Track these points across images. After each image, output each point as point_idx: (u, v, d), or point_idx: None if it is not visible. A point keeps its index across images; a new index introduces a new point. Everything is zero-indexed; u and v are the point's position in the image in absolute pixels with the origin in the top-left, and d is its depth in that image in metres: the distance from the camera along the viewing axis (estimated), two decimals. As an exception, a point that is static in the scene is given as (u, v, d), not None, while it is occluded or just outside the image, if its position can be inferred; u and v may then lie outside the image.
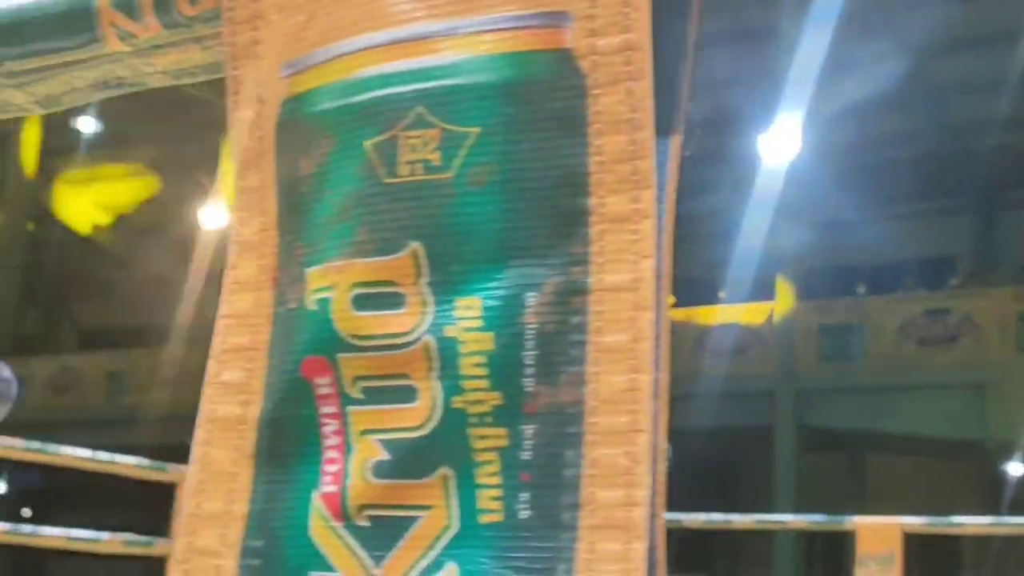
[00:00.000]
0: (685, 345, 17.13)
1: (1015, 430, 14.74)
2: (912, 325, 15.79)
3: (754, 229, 16.19)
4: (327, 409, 0.73)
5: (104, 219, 21.32)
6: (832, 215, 17.51)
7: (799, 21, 14.55)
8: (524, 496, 0.66)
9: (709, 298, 18.42)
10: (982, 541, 16.72)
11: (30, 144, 19.49)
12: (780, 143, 15.23)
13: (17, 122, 15.64)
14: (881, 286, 17.23)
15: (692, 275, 20.50)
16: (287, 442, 0.74)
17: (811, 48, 14.30)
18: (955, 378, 15.35)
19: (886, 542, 4.29)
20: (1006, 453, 16.42)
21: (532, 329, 0.67)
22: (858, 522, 4.38)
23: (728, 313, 17.21)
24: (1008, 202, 18.37)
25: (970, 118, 17.68)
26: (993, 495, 17.77)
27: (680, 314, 17.71)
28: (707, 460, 19.75)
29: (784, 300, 16.52)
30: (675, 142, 0.70)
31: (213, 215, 17.92)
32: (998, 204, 18.64)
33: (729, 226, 17.08)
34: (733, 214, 16.52)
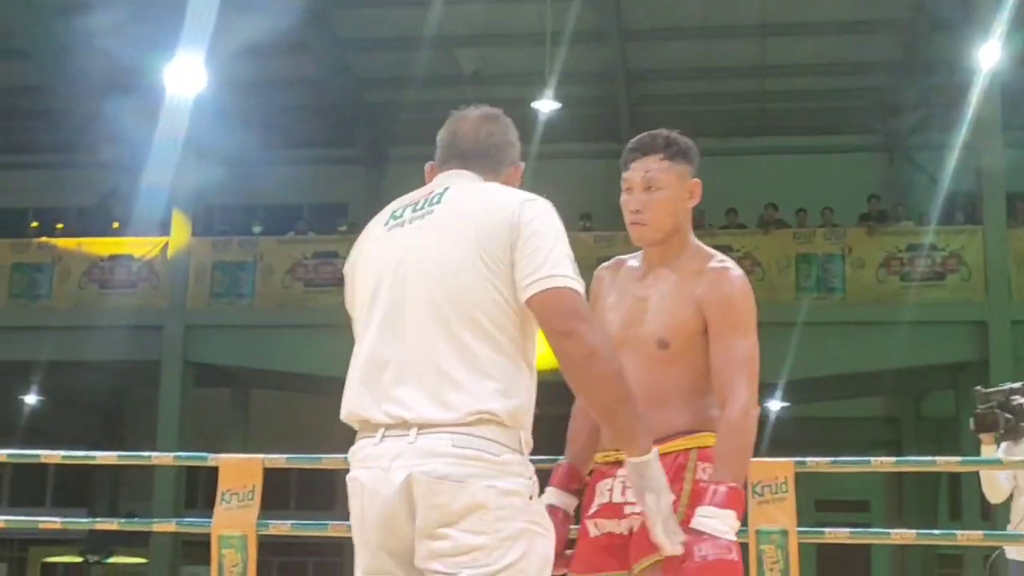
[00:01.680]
0: (74, 275, 16.60)
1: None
2: (301, 266, 16.28)
3: (154, 161, 15.94)
4: None
5: None
6: (233, 154, 17.61)
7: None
8: None
9: (102, 229, 17.93)
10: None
11: None
12: (185, 76, 15.06)
13: None
14: (275, 227, 17.59)
15: (84, 204, 19.86)
16: None
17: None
18: (339, 319, 16.00)
19: (247, 478, 4.46)
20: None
21: None
22: (222, 459, 4.50)
23: (121, 245, 16.84)
24: (397, 156, 19.40)
25: (368, 73, 18.47)
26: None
27: (71, 243, 17.12)
28: (94, 392, 19.35)
29: (179, 235, 16.42)
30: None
31: None
32: (389, 157, 19.63)
33: (128, 156, 16.71)
34: (134, 145, 16.16)
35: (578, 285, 2.45)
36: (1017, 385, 5.46)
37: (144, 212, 16.44)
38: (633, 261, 3.17)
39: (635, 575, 2.88)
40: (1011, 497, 5.53)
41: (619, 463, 2.92)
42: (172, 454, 5.55)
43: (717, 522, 2.72)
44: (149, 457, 4.97)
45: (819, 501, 17.13)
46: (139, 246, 16.66)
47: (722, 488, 2.76)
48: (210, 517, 4.46)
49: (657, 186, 3.01)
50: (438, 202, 2.58)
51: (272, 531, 4.60)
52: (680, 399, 2.92)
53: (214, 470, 4.50)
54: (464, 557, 2.35)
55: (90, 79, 15.72)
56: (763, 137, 18.78)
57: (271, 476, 4.54)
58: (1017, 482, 5.50)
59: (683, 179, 3.03)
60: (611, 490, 2.96)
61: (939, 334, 15.00)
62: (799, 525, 4.03)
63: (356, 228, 16.56)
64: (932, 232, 15.55)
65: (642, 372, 2.91)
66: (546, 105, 16.34)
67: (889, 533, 6.06)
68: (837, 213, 16.53)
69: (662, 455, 2.79)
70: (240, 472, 4.44)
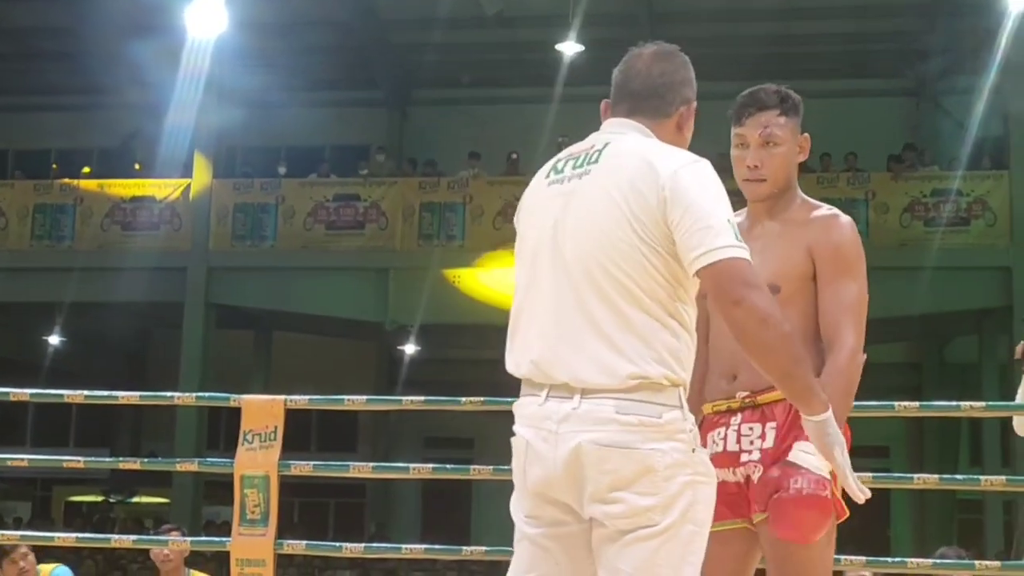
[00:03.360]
0: (96, 217, 16.64)
1: (412, 314, 15.71)
2: (323, 209, 16.27)
3: (176, 103, 15.92)
4: None
5: None
6: (255, 95, 17.57)
7: None
8: None
9: (125, 170, 17.94)
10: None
11: None
12: (207, 17, 14.99)
13: None
14: (297, 169, 17.56)
15: (106, 146, 19.86)
16: None
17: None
18: (361, 262, 16.05)
19: (269, 419, 4.47)
20: (404, 335, 17.51)
21: None
22: (244, 399, 4.51)
23: (143, 187, 16.85)
24: (420, 98, 19.31)
25: (392, 14, 18.33)
26: (391, 373, 18.92)
27: (92, 185, 17.15)
28: (117, 334, 19.46)
29: (201, 176, 16.41)
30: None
31: None
32: (412, 99, 19.54)
33: (150, 98, 16.68)
34: (156, 86, 16.14)
35: (742, 252, 2.49)
36: None
37: (166, 154, 16.45)
38: (737, 217, 3.14)
39: (755, 524, 2.93)
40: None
41: (731, 411, 2.99)
42: (194, 394, 5.57)
43: (815, 459, 2.76)
44: (172, 398, 4.98)
45: (840, 446, 17.13)
46: (161, 188, 16.67)
47: None
48: (232, 458, 4.49)
49: (775, 142, 3.04)
50: (596, 160, 2.61)
51: (294, 472, 4.62)
52: None
53: (236, 412, 4.52)
54: (639, 517, 2.47)
55: (112, 20, 15.65)
56: (788, 81, 17.89)
57: (293, 418, 4.56)
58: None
59: (795, 134, 3.08)
60: (724, 439, 2.99)
61: (963, 280, 14.92)
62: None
63: (378, 171, 16.42)
64: (957, 177, 15.42)
65: None
66: (570, 48, 16.21)
67: (912, 478, 6.04)
68: (862, 158, 16.39)
69: (776, 403, 2.91)
70: (262, 413, 4.46)
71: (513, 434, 2.62)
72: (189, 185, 16.46)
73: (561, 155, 2.70)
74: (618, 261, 2.51)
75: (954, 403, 5.24)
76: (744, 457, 2.93)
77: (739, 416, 2.97)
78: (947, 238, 14.93)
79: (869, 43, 18.06)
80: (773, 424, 2.92)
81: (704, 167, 2.55)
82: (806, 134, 3.10)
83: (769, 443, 2.91)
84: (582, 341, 2.52)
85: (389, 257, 15.84)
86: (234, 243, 16.40)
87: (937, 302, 14.95)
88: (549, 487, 2.55)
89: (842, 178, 15.71)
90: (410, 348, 18.13)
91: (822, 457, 2.75)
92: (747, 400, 2.96)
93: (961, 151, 16.07)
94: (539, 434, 2.55)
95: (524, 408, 2.60)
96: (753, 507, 2.91)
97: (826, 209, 3.06)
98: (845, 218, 3.04)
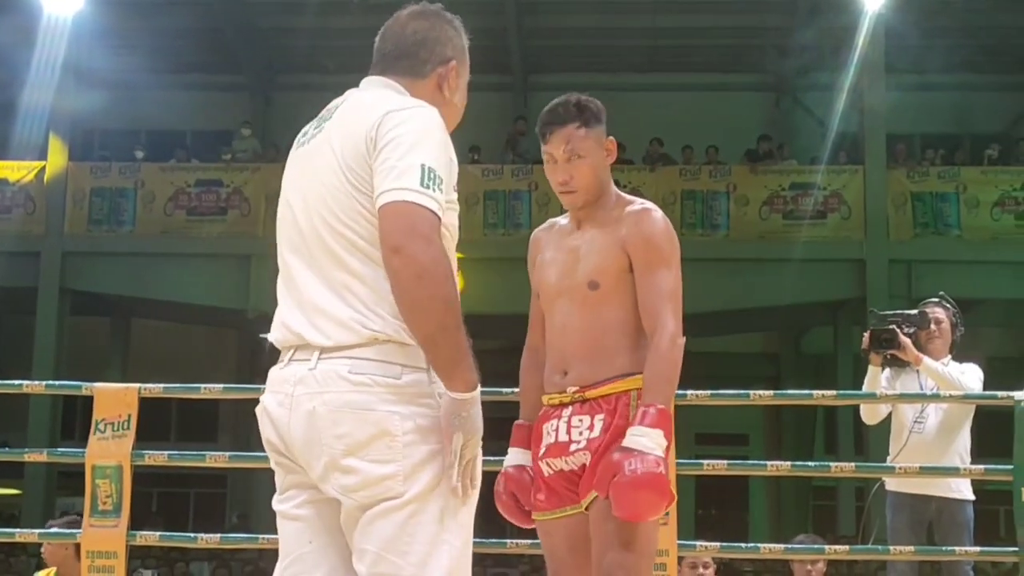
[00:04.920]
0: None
1: (274, 302, 15.50)
2: (184, 194, 15.98)
3: (31, 83, 15.48)
4: None
5: None
6: (115, 77, 17.17)
7: None
8: None
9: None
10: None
11: None
12: (62, -5, 14.61)
13: None
14: (157, 153, 17.21)
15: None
16: None
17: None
18: (223, 249, 15.80)
19: (122, 407, 4.37)
20: (266, 323, 17.25)
21: None
22: (96, 387, 4.41)
23: (-6, 169, 16.36)
24: (284, 84, 19.07)
25: (255, -4, 18.05)
26: (253, 362, 18.67)
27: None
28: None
29: (56, 159, 15.98)
30: None
31: None
32: (276, 84, 19.29)
33: (3, 78, 16.19)
34: (9, 66, 15.67)
35: (424, 199, 2.30)
36: (913, 312, 5.60)
37: (20, 135, 15.99)
38: (563, 220, 3.35)
39: (583, 508, 3.07)
40: (890, 430, 5.67)
41: (563, 404, 3.13)
42: (44, 382, 5.42)
43: (647, 440, 2.89)
44: (20, 385, 4.84)
45: (699, 434, 17.43)
46: (14, 170, 16.17)
47: (651, 410, 2.94)
48: (85, 448, 4.39)
49: (579, 154, 3.16)
50: (330, 118, 2.51)
51: (148, 461, 4.54)
52: (616, 341, 3.09)
53: (91, 401, 4.41)
54: (375, 487, 2.29)
55: (-37, -3, 15.15)
56: (654, 74, 18.80)
57: (152, 407, 4.48)
58: (897, 418, 5.63)
59: (600, 142, 3.20)
60: (556, 430, 3.13)
61: (820, 272, 15.28)
62: (679, 458, 4.09)
63: (238, 155, 16.14)
64: (815, 171, 15.80)
65: (579, 317, 3.12)
66: (436, 35, 16.13)
67: (765, 465, 6.17)
68: (723, 152, 16.68)
69: (602, 397, 3.06)
70: (115, 401, 4.37)
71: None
72: (44, 168, 16.01)
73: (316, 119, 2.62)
74: (338, 214, 2.38)
75: (807, 392, 5.37)
76: (573, 447, 3.09)
77: (570, 409, 3.11)
78: (805, 231, 15.28)
79: (733, 38, 18.37)
80: (601, 416, 3.06)
81: (424, 112, 2.42)
82: (611, 137, 3.23)
83: (596, 433, 3.06)
84: (317, 298, 2.39)
85: (251, 244, 15.61)
86: (91, 228, 16.00)
87: (795, 294, 15.30)
88: (291, 456, 2.40)
89: (704, 171, 15.97)
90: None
91: (651, 439, 2.87)
92: (576, 395, 3.10)
93: (820, 146, 16.47)
94: (276, 398, 2.41)
95: (270, 375, 2.49)
96: (582, 491, 3.06)
97: (638, 204, 3.19)
98: (656, 211, 3.17)
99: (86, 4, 14.93)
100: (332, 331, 2.36)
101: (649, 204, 3.20)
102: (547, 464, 3.14)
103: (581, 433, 3.08)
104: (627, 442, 2.91)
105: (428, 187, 2.31)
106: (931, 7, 15.91)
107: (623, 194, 3.26)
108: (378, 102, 2.45)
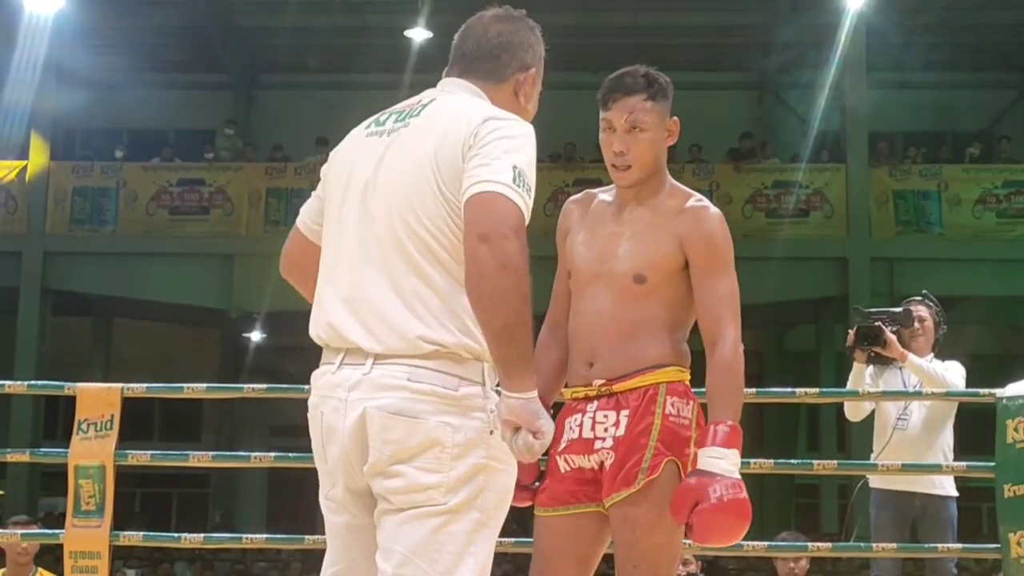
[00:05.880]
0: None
1: (258, 301, 15.49)
2: (166, 193, 15.93)
3: (12, 82, 15.41)
4: None
5: None
6: (97, 76, 17.11)
7: None
8: None
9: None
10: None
11: None
12: (44, -6, 14.55)
13: None
14: (140, 153, 17.15)
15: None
16: None
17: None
18: (206, 248, 15.76)
19: (105, 407, 4.36)
20: (249, 323, 17.25)
21: None
22: (79, 387, 4.39)
23: (-23, 168, 16.28)
24: (267, 83, 19.02)
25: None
26: (236, 361, 18.63)
27: (-78, 165, 16.48)
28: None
29: (37, 158, 15.92)
30: None
31: None
32: (259, 83, 19.24)
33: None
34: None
35: (516, 195, 2.27)
36: (897, 310, 5.62)
37: (2, 134, 15.91)
38: (605, 196, 3.13)
39: (607, 509, 2.91)
40: (874, 427, 5.69)
41: (588, 399, 2.96)
42: (26, 382, 5.40)
43: (725, 463, 2.76)
44: (2, 386, 4.82)
45: (683, 433, 17.43)
46: (-5, 169, 16.13)
47: (722, 428, 2.79)
48: (67, 448, 4.37)
49: (641, 127, 2.99)
50: (417, 115, 2.46)
51: (131, 461, 4.52)
52: (651, 333, 2.94)
53: (73, 401, 4.39)
54: (419, 495, 2.28)
55: (-58, -6, 15.08)
56: None
57: (135, 407, 4.46)
58: (881, 415, 5.64)
59: (664, 119, 3.04)
60: (580, 426, 2.97)
61: (803, 270, 15.32)
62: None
63: (224, 155, 16.12)
64: (797, 170, 15.83)
65: (615, 306, 2.94)
66: (419, 34, 16.13)
67: (748, 463, 6.18)
68: (706, 150, 16.69)
69: (632, 390, 2.89)
70: (98, 401, 4.35)
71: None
72: (25, 167, 15.95)
73: (387, 109, 2.58)
74: (423, 219, 2.33)
75: (790, 389, 5.38)
76: (598, 444, 2.93)
77: (595, 403, 2.96)
78: (787, 229, 15.32)
79: (715, 37, 18.39)
80: (627, 412, 2.92)
81: (521, 124, 2.39)
82: (675, 118, 3.07)
83: (621, 431, 2.91)
84: (379, 303, 2.33)
85: (234, 243, 15.57)
86: (72, 227, 15.94)
87: (778, 292, 15.32)
88: (345, 463, 2.36)
89: (687, 169, 15.98)
90: (256, 336, 17.88)
91: (730, 460, 2.75)
92: (603, 388, 2.95)
93: (802, 144, 16.50)
94: (330, 403, 2.36)
95: (319, 378, 2.42)
96: (606, 491, 2.92)
97: (697, 198, 3.03)
98: (716, 210, 3.03)
99: (67, 3, 14.85)
100: (388, 338, 2.31)
101: (706, 200, 3.04)
102: (566, 460, 2.98)
103: (607, 430, 2.92)
104: (704, 464, 2.77)
105: (519, 187, 2.29)
106: (912, 5, 15.97)
107: (679, 184, 3.08)
108: (473, 109, 2.42)
